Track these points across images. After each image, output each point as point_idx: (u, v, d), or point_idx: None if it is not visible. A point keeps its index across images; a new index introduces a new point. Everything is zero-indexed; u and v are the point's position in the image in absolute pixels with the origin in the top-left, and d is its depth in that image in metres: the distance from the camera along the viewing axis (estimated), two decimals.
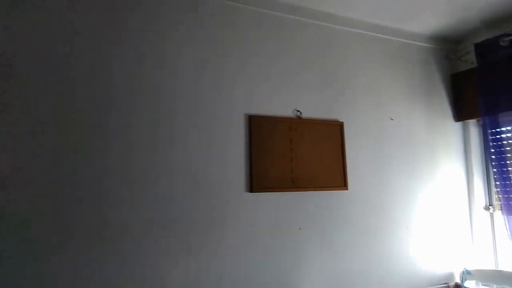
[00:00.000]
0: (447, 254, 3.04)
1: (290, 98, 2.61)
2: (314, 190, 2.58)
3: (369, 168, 2.81)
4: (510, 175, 2.92)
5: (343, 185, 2.67)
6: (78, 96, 2.00)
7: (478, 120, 3.26)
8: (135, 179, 2.08)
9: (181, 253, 2.14)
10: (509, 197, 2.90)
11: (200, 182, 2.24)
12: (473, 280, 3.00)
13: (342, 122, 2.75)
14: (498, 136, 2.98)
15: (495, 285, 2.84)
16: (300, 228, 2.51)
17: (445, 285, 2.93)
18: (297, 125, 2.59)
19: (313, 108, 2.68)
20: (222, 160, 2.33)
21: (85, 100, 2.01)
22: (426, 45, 3.24)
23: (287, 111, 2.59)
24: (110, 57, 2.10)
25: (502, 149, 2.97)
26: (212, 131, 2.33)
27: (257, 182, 2.40)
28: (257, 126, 2.45)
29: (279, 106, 2.56)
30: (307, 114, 2.64)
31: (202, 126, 2.30)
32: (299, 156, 2.56)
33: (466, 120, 3.25)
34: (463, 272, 3.02)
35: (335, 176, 2.66)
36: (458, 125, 3.28)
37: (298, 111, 2.62)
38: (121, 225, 2.01)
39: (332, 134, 2.70)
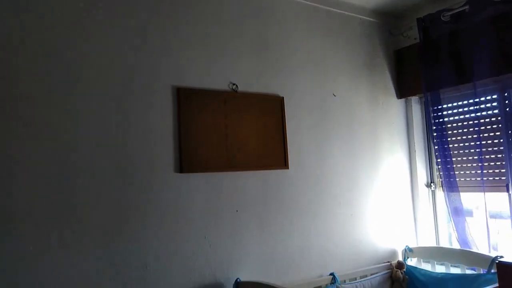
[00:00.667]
0: (389, 232, 2.99)
1: (224, 70, 2.39)
2: (252, 170, 2.40)
3: (311, 147, 2.67)
4: (451, 152, 2.90)
5: (284, 164, 2.51)
6: None
7: (420, 97, 3.22)
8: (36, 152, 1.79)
9: (95, 240, 1.88)
10: (449, 174, 2.89)
11: (118, 161, 1.98)
12: (415, 257, 2.99)
13: (282, 97, 2.58)
14: (439, 114, 2.94)
15: (435, 262, 2.83)
16: (237, 211, 2.33)
17: (388, 263, 2.88)
18: (233, 99, 2.38)
19: (250, 82, 2.48)
20: (145, 137, 2.08)
21: None
22: (370, 19, 3.13)
23: (221, 84, 2.37)
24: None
25: (443, 126, 2.94)
26: (133, 104, 2.06)
27: (187, 162, 2.17)
28: (186, 99, 2.22)
29: (212, 79, 2.34)
30: (243, 87, 2.44)
31: (121, 98, 2.03)
32: (236, 134, 2.36)
33: (409, 97, 3.20)
34: (405, 250, 2.99)
35: (275, 155, 2.49)
36: (400, 102, 3.22)
37: (233, 84, 2.41)
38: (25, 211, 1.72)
39: (271, 109, 2.52)
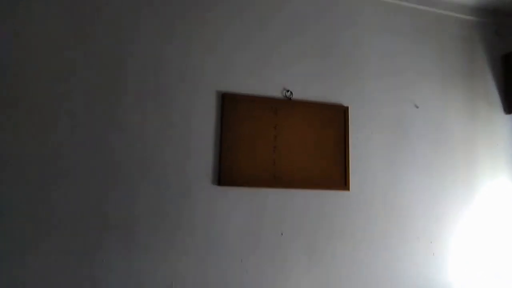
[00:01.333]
0: (484, 281, 2.34)
1: (277, 74, 2.14)
2: (303, 189, 2.08)
3: (381, 166, 2.24)
4: None
5: (343, 184, 2.14)
6: None
7: None
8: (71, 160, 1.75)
9: (120, 253, 1.76)
10: None
11: (151, 169, 1.86)
12: None
13: (347, 107, 2.22)
14: None
15: None
16: (282, 234, 2.03)
17: None
18: (285, 107, 2.11)
19: (308, 88, 2.18)
20: (184, 144, 1.93)
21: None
22: (470, 17, 2.58)
23: (273, 91, 2.12)
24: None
25: None
26: (174, 109, 1.94)
27: (227, 174, 1.96)
28: (231, 106, 2.02)
29: (263, 84, 2.11)
30: (299, 95, 2.16)
31: (162, 102, 1.92)
32: (285, 146, 2.08)
33: None
34: None
35: (332, 173, 2.13)
36: (509, 118, 2.56)
37: (287, 90, 2.14)
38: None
39: (332, 120, 2.18)
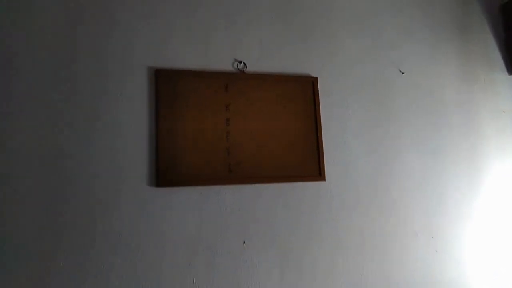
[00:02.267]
0: (498, 278, 1.92)
1: (226, 42, 1.71)
2: (268, 183, 1.65)
3: (362, 148, 1.81)
4: None
5: (317, 174, 1.71)
6: None
7: None
8: None
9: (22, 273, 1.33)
10: None
11: (70, 172, 1.43)
12: None
13: (315, 78, 1.79)
14: None
15: None
16: (244, 242, 1.60)
17: None
18: (238, 83, 1.68)
19: (265, 58, 1.76)
20: (109, 139, 1.50)
21: None
22: None
23: (221, 63, 1.69)
24: None
25: None
26: (92, 92, 1.51)
27: (167, 172, 1.53)
28: (169, 85, 1.59)
29: (209, 55, 1.68)
30: (255, 66, 1.73)
31: (75, 88, 1.49)
32: (242, 131, 1.65)
33: None
34: None
35: (302, 160, 1.70)
36: None
37: (239, 62, 1.71)
38: None
39: (298, 96, 1.75)
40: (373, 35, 1.93)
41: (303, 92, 1.75)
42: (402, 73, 1.92)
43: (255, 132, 1.66)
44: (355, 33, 1.90)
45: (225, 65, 1.69)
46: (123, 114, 1.54)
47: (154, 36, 1.62)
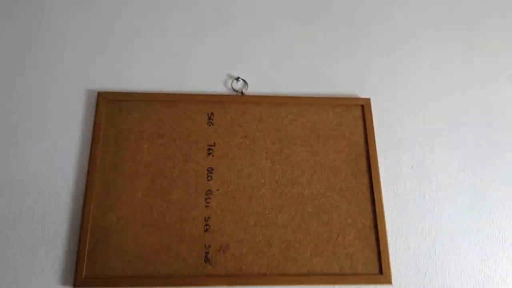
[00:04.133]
0: None
1: (215, 51, 1.09)
2: (277, 284, 0.88)
3: (459, 218, 0.98)
4: None
5: (375, 270, 0.90)
6: None
7: None
8: None
9: None
10: None
11: None
12: None
13: (367, 99, 1.05)
14: None
15: None
16: None
17: None
18: (231, 110, 1.02)
19: (280, 72, 1.09)
20: (17, 207, 0.90)
21: None
22: None
23: (208, 80, 1.06)
24: None
25: None
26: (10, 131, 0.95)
27: (96, 261, 0.86)
28: (117, 116, 0.99)
29: (186, 71, 1.06)
30: (259, 86, 1.06)
31: None
32: (233, 191, 0.94)
33: None
34: None
35: (345, 245, 0.92)
36: None
37: (237, 79, 1.06)
38: None
39: (335, 130, 1.02)
40: (461, 25, 1.18)
41: (346, 124, 1.02)
42: None
43: (258, 192, 0.94)
44: (426, 27, 1.17)
45: (213, 83, 1.05)
46: (45, 157, 0.94)
47: (102, 46, 1.06)
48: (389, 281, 0.88)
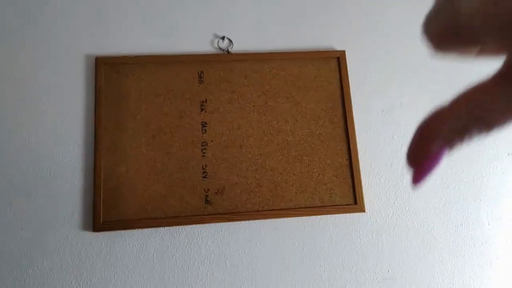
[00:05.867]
0: None
1: (201, 11, 1.16)
2: (265, 218, 1.04)
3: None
4: None
5: (351, 201, 1.06)
6: None
7: None
8: None
9: None
10: None
11: None
12: None
13: (342, 51, 1.16)
14: None
15: None
16: None
17: None
18: (219, 68, 1.12)
19: (263, 30, 1.17)
20: (28, 161, 1.01)
21: None
22: None
23: (195, 40, 1.14)
24: None
25: None
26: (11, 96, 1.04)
27: (110, 208, 0.99)
28: (115, 79, 1.07)
29: (173, 32, 1.14)
30: (245, 44, 1.15)
31: None
32: (226, 141, 1.07)
33: None
34: None
35: (325, 182, 1.07)
36: None
37: (222, 38, 1.15)
38: None
39: (314, 82, 1.14)
40: None
41: (324, 75, 1.13)
42: None
43: (248, 141, 1.07)
44: None
45: (201, 43, 1.14)
46: (51, 127, 1.04)
47: (96, 13, 1.12)
48: (363, 209, 1.04)
